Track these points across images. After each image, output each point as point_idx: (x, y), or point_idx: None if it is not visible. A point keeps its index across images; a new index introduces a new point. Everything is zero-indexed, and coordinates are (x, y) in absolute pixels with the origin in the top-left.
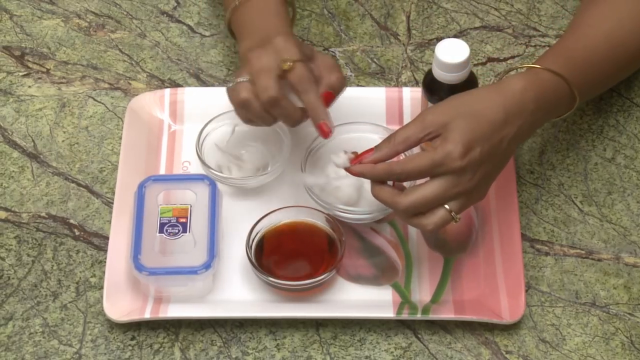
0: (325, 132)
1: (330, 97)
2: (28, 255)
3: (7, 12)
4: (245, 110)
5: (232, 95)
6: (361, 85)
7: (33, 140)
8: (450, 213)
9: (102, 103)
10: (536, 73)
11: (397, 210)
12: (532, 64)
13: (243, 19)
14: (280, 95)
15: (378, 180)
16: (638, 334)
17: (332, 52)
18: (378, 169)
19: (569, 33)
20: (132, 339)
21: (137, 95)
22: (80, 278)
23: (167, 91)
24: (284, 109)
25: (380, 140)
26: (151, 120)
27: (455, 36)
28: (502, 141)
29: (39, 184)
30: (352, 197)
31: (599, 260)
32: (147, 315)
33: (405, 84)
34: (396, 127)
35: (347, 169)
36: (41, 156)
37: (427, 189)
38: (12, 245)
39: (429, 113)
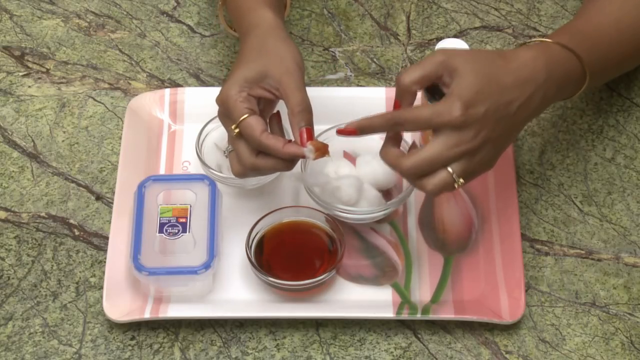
0: (296, 161)
1: (308, 131)
2: (28, 255)
3: (7, 12)
4: (247, 177)
5: (230, 168)
6: (361, 85)
7: (33, 140)
8: (452, 175)
9: (102, 103)
10: (547, 45)
11: (400, 172)
12: (543, 38)
13: (233, 12)
14: (247, 167)
15: (377, 132)
16: (638, 334)
17: (332, 52)
18: (376, 117)
19: (578, 16)
20: (132, 339)
21: (137, 95)
22: (80, 278)
23: (167, 91)
24: (264, 171)
25: (380, 140)
26: (151, 120)
27: (455, 36)
28: (510, 105)
29: (39, 184)
30: (352, 197)
31: (599, 260)
32: (147, 315)
33: None
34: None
35: (343, 129)
36: (41, 156)
37: (428, 148)
38: (12, 245)
39: (442, 54)
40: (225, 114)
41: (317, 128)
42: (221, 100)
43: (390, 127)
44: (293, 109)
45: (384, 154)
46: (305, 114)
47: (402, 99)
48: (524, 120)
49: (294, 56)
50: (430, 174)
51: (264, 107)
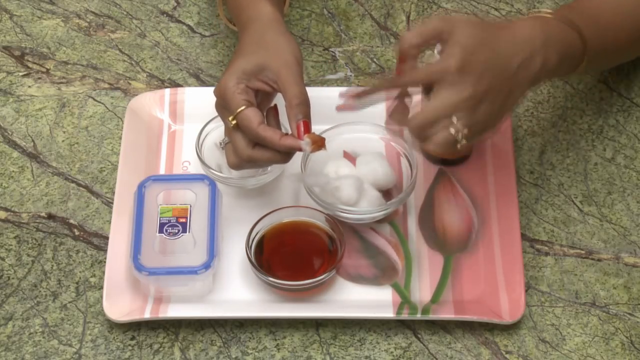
0: (292, 154)
1: (306, 124)
2: (28, 255)
3: (7, 12)
4: (243, 169)
5: (227, 159)
6: (361, 85)
7: (33, 140)
8: (455, 130)
9: (102, 103)
10: (543, 17)
11: (409, 129)
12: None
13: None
14: (243, 159)
15: (378, 91)
16: (638, 334)
17: (332, 52)
18: (379, 81)
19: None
20: (132, 339)
21: (137, 95)
22: (80, 278)
23: (167, 91)
24: (260, 163)
25: (380, 140)
26: (151, 120)
27: None
28: (511, 61)
29: (39, 184)
30: (352, 197)
31: (599, 260)
32: (147, 315)
33: None
34: (396, 128)
35: (343, 105)
36: (41, 156)
37: (429, 104)
38: (12, 245)
39: (441, 18)
40: (223, 106)
41: (317, 128)
42: (219, 92)
43: (390, 84)
44: (291, 102)
45: (392, 118)
46: (302, 106)
47: (406, 56)
48: (525, 83)
49: (293, 50)
50: (434, 133)
51: (262, 100)
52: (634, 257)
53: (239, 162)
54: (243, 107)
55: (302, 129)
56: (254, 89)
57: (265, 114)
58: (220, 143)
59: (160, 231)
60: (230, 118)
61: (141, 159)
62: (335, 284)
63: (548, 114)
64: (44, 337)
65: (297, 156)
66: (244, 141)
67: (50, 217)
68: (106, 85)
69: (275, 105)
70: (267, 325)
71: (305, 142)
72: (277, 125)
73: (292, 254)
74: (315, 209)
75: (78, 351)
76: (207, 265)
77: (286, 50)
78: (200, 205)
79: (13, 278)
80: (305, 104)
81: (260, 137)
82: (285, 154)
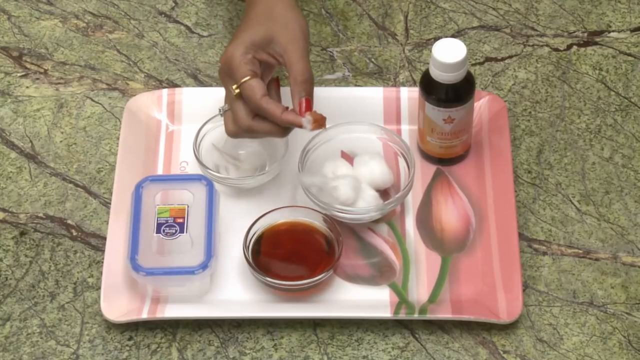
0: (290, 129)
1: (308, 102)
2: (26, 255)
3: (5, 13)
4: (240, 137)
5: (225, 127)
6: (359, 85)
7: (31, 141)
8: None
9: (100, 103)
10: None
11: None
12: None
13: None
14: (242, 129)
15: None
16: (635, 334)
17: (330, 51)
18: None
19: None
20: (130, 339)
21: (134, 95)
22: (77, 278)
23: (165, 91)
24: (258, 134)
25: (377, 140)
26: (149, 121)
27: (453, 36)
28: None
29: (37, 185)
30: (350, 197)
31: (597, 259)
32: (145, 315)
33: (403, 84)
34: (394, 127)
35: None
36: (39, 157)
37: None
38: (9, 245)
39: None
40: (227, 73)
41: None
42: (225, 60)
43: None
44: (296, 78)
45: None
46: (307, 84)
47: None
48: None
49: (301, 25)
50: None
51: (264, 71)
52: (631, 256)
53: (237, 131)
54: (248, 77)
55: (304, 106)
56: (259, 60)
57: (267, 85)
58: (220, 109)
59: (158, 231)
60: (234, 87)
61: (139, 160)
62: (332, 284)
63: (546, 113)
64: (41, 338)
65: (294, 155)
66: (244, 111)
67: (47, 217)
68: (104, 86)
69: (277, 78)
70: (265, 326)
71: (307, 119)
72: (278, 97)
73: (289, 254)
74: (313, 209)
75: (76, 352)
76: (204, 266)
77: (294, 24)
78: (198, 206)
79: (11, 278)
80: (309, 81)
81: (263, 109)
82: (285, 129)
